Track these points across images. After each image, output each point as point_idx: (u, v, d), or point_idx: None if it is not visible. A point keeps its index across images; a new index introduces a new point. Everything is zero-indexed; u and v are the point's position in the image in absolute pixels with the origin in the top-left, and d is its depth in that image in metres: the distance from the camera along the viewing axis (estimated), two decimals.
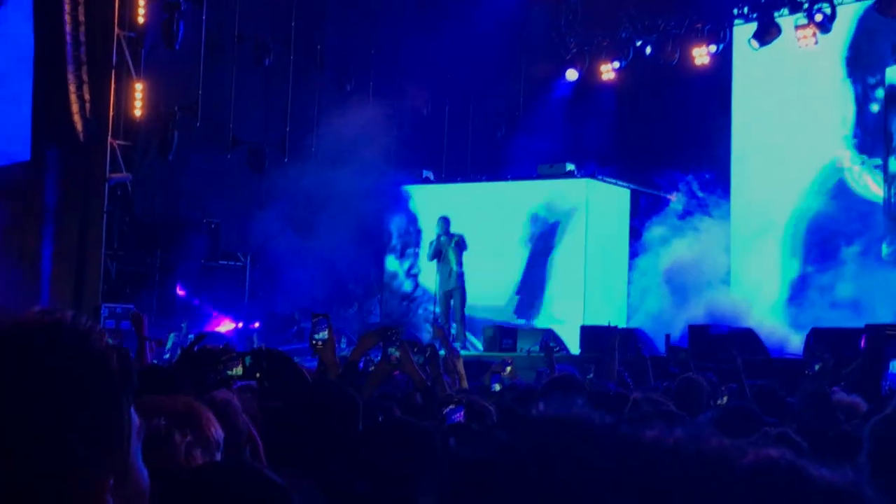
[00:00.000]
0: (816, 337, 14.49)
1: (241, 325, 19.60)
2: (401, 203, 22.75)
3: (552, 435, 1.02)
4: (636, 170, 22.05)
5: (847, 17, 19.98)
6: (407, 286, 22.61)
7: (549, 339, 17.56)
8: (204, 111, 20.07)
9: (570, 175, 21.16)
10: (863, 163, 19.95)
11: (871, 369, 7.24)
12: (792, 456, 0.97)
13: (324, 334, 6.95)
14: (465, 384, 9.03)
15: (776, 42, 20.19)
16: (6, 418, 1.59)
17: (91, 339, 1.66)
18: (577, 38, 22.82)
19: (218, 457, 3.00)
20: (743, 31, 21.06)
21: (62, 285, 18.35)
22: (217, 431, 3.05)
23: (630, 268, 21.37)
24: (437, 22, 21.54)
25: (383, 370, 7.01)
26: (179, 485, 2.41)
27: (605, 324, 16.84)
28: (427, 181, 22.77)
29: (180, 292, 19.74)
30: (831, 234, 19.84)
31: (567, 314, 19.77)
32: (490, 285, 20.30)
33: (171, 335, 16.90)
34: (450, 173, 23.26)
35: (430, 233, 20.26)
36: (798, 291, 20.05)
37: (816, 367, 7.79)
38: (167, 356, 15.08)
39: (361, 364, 11.19)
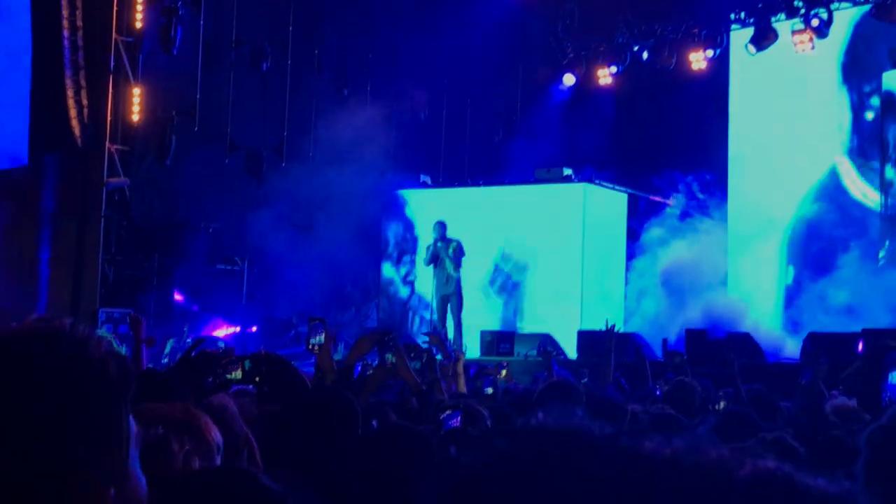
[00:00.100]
0: (813, 341, 14.50)
1: (238, 329, 19.59)
2: (398, 208, 22.76)
3: (551, 445, 1.03)
4: (633, 174, 22.07)
5: (844, 23, 20.01)
6: (403, 292, 22.61)
7: (547, 343, 17.58)
8: (201, 116, 20.09)
9: (567, 179, 21.16)
10: (859, 168, 19.97)
11: (870, 377, 7.23)
12: (789, 468, 0.98)
13: (320, 338, 6.96)
14: (462, 387, 9.01)
15: (773, 47, 20.21)
16: (6, 426, 1.59)
17: (90, 346, 1.67)
18: (575, 43, 22.84)
19: (218, 462, 2.99)
20: (740, 36, 21.08)
21: (60, 289, 18.35)
22: (216, 436, 3.05)
23: (627, 269, 21.38)
24: (434, 26, 21.55)
25: (379, 375, 7.01)
26: (174, 490, 2.41)
27: (603, 325, 16.83)
28: (424, 185, 22.78)
29: (178, 297, 19.74)
30: (828, 238, 19.85)
31: (564, 319, 19.77)
32: (487, 290, 20.30)
33: (171, 340, 16.91)
34: (447, 178, 23.28)
35: (426, 238, 20.26)
36: (794, 295, 20.06)
37: (807, 378, 7.79)
38: (165, 360, 15.09)
39: (359, 368, 11.20)
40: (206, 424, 3.01)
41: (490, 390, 8.94)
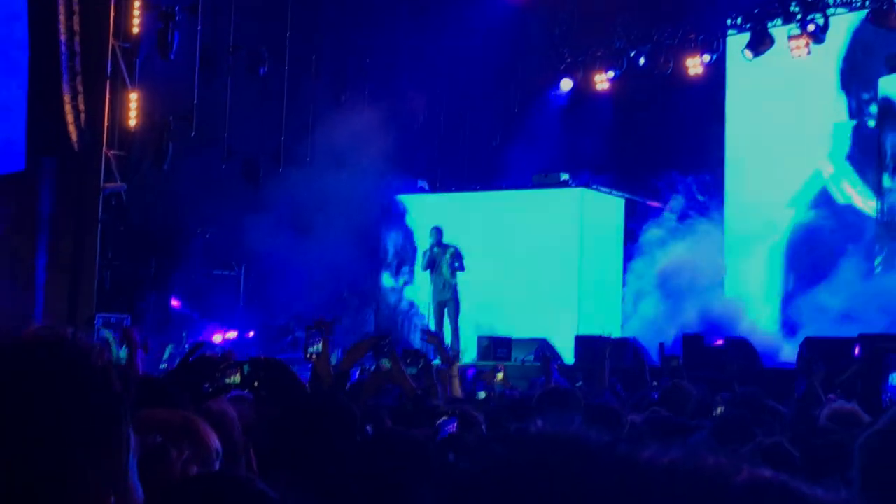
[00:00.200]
0: (810, 346, 14.51)
1: (236, 334, 19.58)
2: (396, 213, 22.76)
3: (549, 452, 1.04)
4: (631, 178, 22.09)
5: (842, 28, 20.04)
6: (401, 298, 22.60)
7: (544, 349, 17.60)
8: (199, 121, 20.08)
9: (564, 185, 21.18)
10: (856, 173, 20.00)
11: (870, 379, 7.25)
12: (786, 476, 0.99)
13: (318, 347, 6.97)
14: (457, 391, 9.00)
15: (770, 52, 20.24)
16: (9, 434, 1.59)
17: (93, 356, 1.67)
18: (572, 49, 22.86)
19: (217, 468, 2.99)
20: (736, 42, 21.11)
21: (57, 294, 18.33)
22: (215, 442, 3.04)
23: (624, 272, 21.40)
24: (432, 32, 21.57)
25: (375, 381, 7.01)
26: (172, 496, 2.42)
27: (598, 333, 16.86)
28: (422, 191, 22.79)
29: (175, 303, 19.72)
30: (824, 243, 19.88)
31: (561, 324, 19.77)
32: (484, 295, 20.30)
33: (170, 346, 16.89)
34: (445, 183, 23.28)
35: (424, 243, 20.27)
36: (791, 298, 20.09)
37: (801, 391, 7.80)
38: (163, 366, 15.07)
39: (356, 373, 11.20)
40: (204, 431, 3.00)
41: (483, 394, 8.93)
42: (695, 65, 21.16)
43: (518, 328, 19.18)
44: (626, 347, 16.87)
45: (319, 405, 4.53)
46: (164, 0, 19.29)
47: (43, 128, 17.97)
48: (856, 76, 20.23)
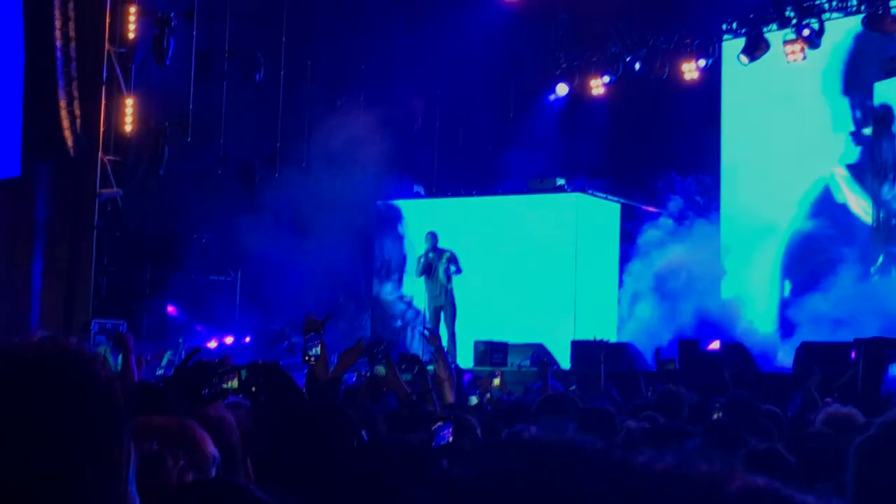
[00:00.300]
0: (806, 351, 14.53)
1: (232, 339, 19.57)
2: (392, 218, 22.77)
3: (544, 458, 1.04)
4: (627, 183, 22.10)
5: (838, 33, 20.06)
6: (397, 304, 22.59)
7: (540, 354, 17.60)
8: (194, 126, 20.09)
9: (560, 190, 21.19)
10: (852, 178, 20.02)
11: (867, 378, 7.26)
12: (779, 484, 0.99)
13: (317, 350, 6.96)
14: (448, 398, 8.97)
15: (766, 56, 20.27)
16: (10, 444, 1.59)
17: (96, 366, 1.67)
18: (567, 54, 22.88)
19: (213, 474, 2.98)
20: (732, 46, 21.13)
21: (53, 300, 18.32)
22: (211, 449, 3.03)
23: (621, 277, 21.40)
24: (428, 37, 21.58)
25: (372, 387, 7.01)
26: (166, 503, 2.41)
27: (592, 338, 16.85)
28: (418, 196, 22.80)
29: (171, 310, 19.70)
30: (820, 248, 19.90)
31: (558, 329, 19.77)
32: (480, 300, 20.31)
33: (168, 353, 16.85)
34: (441, 188, 23.28)
35: (420, 249, 20.27)
36: (786, 303, 20.10)
37: (794, 410, 7.81)
38: (160, 372, 15.04)
39: (353, 378, 11.18)
40: (200, 437, 2.99)
41: (475, 400, 8.91)
42: (690, 70, 21.18)
43: (514, 333, 19.17)
44: (621, 352, 16.87)
45: (316, 411, 4.52)
46: (160, 6, 19.30)
47: (39, 133, 17.97)
48: (852, 81, 20.25)
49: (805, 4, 19.93)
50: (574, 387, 11.05)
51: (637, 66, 21.70)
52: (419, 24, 22.12)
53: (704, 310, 19.54)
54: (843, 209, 20.06)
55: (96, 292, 18.69)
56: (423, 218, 21.73)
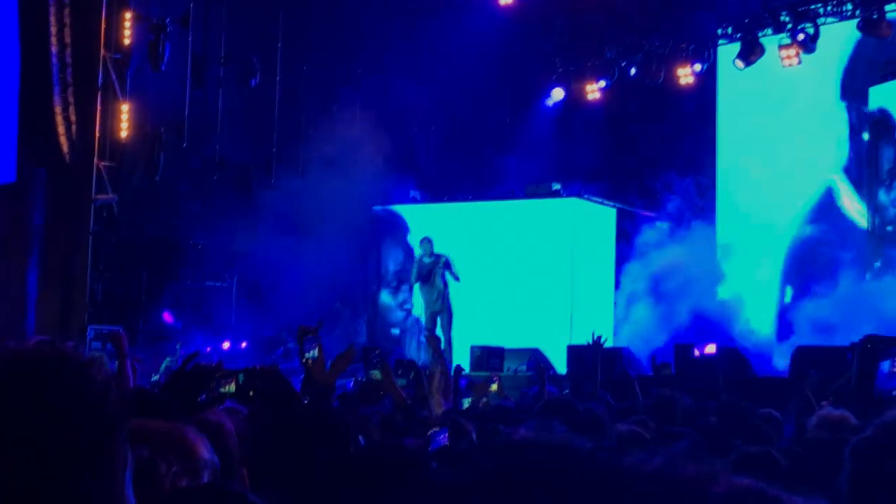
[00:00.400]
0: (802, 354, 14.54)
1: (228, 345, 19.56)
2: (388, 223, 22.76)
3: (533, 461, 1.04)
4: (623, 187, 22.13)
5: (834, 37, 20.08)
6: (394, 309, 22.58)
7: (537, 359, 17.60)
8: (190, 132, 20.09)
9: (556, 194, 21.20)
10: (848, 183, 20.04)
11: (861, 378, 7.26)
12: (764, 485, 0.99)
13: (314, 353, 6.96)
14: (439, 406, 8.96)
15: (761, 61, 20.29)
16: (9, 449, 1.59)
17: (93, 370, 1.68)
18: (563, 59, 22.90)
19: (205, 479, 2.96)
20: (727, 51, 21.16)
21: (48, 307, 18.30)
22: (204, 453, 3.01)
23: (618, 275, 21.40)
24: (423, 43, 21.60)
25: (367, 392, 7.01)
26: None
27: (591, 335, 16.81)
28: (414, 201, 22.80)
29: (166, 317, 19.68)
30: (816, 252, 19.93)
31: (554, 334, 19.78)
32: (476, 305, 20.31)
33: (167, 359, 16.85)
34: (437, 193, 23.27)
35: (416, 255, 20.26)
36: (782, 307, 20.12)
37: (790, 427, 7.82)
38: (155, 378, 15.04)
39: (350, 384, 11.19)
40: (192, 441, 2.97)
41: (467, 402, 8.92)
42: (686, 74, 21.20)
43: (511, 338, 19.17)
44: (617, 358, 16.86)
45: (312, 415, 4.52)
46: (156, 12, 19.31)
47: (34, 139, 17.96)
48: (847, 85, 20.28)
49: (800, 9, 19.97)
50: (567, 391, 11.04)
51: (632, 71, 21.72)
52: (415, 29, 22.13)
53: (700, 314, 19.56)
54: (840, 213, 20.08)
55: (92, 298, 18.67)
56: (419, 223, 21.74)
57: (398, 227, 22.67)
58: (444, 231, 20.27)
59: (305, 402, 6.07)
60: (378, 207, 22.65)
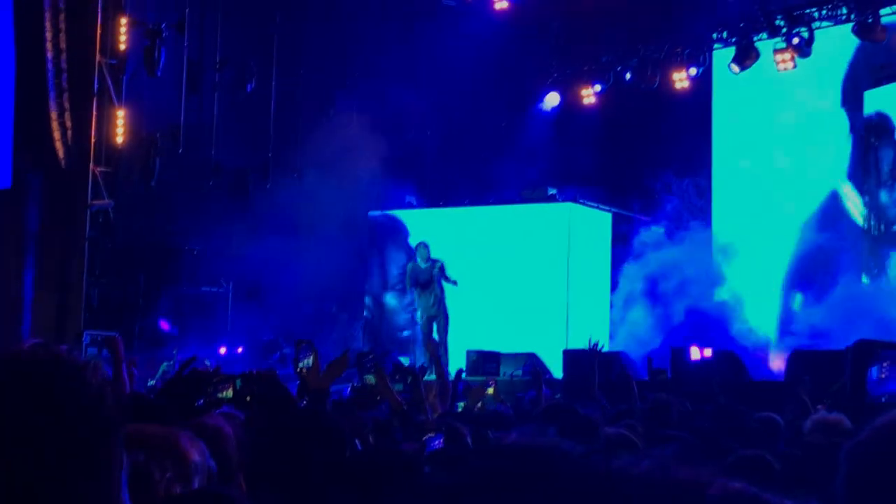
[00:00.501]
0: (797, 358, 14.55)
1: (224, 350, 19.55)
2: (384, 228, 22.76)
3: (524, 464, 1.04)
4: (619, 191, 22.14)
5: (829, 41, 20.09)
6: (390, 314, 22.57)
7: (533, 363, 17.60)
8: (186, 137, 20.09)
9: (552, 199, 21.22)
10: (844, 184, 20.06)
11: (853, 382, 7.27)
12: (756, 489, 1.00)
13: (308, 361, 6.97)
14: (435, 412, 8.97)
15: (756, 65, 20.31)
16: (5, 451, 1.59)
17: (88, 373, 1.68)
18: (559, 63, 22.92)
19: (196, 483, 2.95)
20: (722, 55, 21.18)
21: (44, 312, 18.28)
22: (195, 456, 3.00)
23: (615, 278, 21.41)
24: (419, 47, 21.60)
25: (361, 397, 7.02)
26: None
27: (588, 341, 16.80)
28: (410, 206, 22.80)
29: (163, 325, 19.66)
30: (813, 255, 19.94)
31: (550, 338, 19.77)
32: (472, 310, 20.30)
33: (164, 364, 16.85)
34: (433, 198, 23.27)
35: (411, 260, 20.26)
36: (779, 312, 20.13)
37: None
38: (152, 383, 15.04)
39: (347, 390, 11.18)
40: (183, 446, 2.96)
41: (461, 405, 8.92)
42: (681, 79, 21.21)
43: (507, 343, 19.16)
44: (613, 362, 16.85)
45: (309, 420, 4.52)
46: (151, 17, 19.32)
47: (30, 145, 17.96)
48: (842, 89, 20.29)
49: (795, 13, 19.99)
50: (559, 395, 11.05)
51: (627, 75, 21.74)
52: (411, 34, 22.13)
53: (696, 317, 19.56)
54: (837, 216, 20.09)
55: (88, 304, 18.65)
56: (415, 228, 21.74)
57: (394, 232, 22.66)
58: (439, 236, 20.27)
59: (302, 405, 6.07)
60: (374, 212, 22.65)
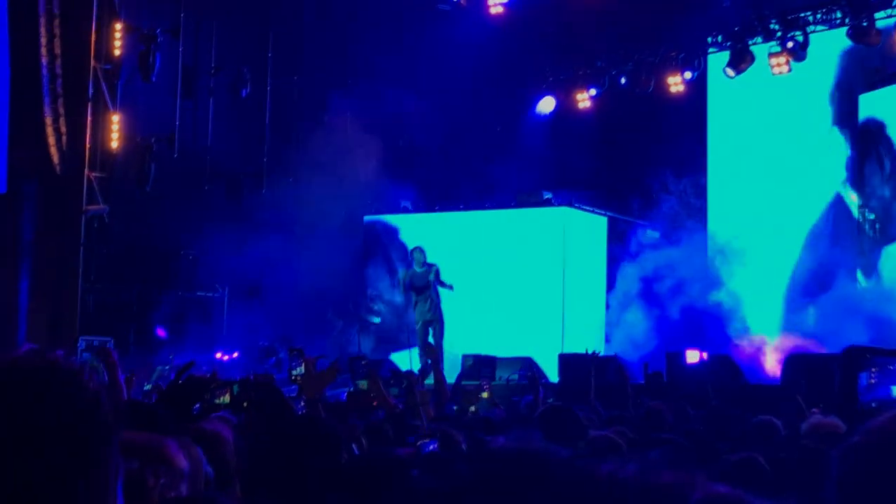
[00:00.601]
0: (793, 362, 14.57)
1: (220, 355, 19.54)
2: (379, 233, 22.76)
3: (511, 468, 1.05)
4: (614, 195, 22.16)
5: (823, 45, 20.12)
6: (387, 320, 22.56)
7: (529, 367, 17.59)
8: (181, 142, 20.09)
9: (547, 203, 21.24)
10: (840, 187, 20.09)
11: (843, 388, 7.29)
12: (740, 492, 1.00)
13: (300, 369, 6.99)
14: (429, 417, 8.98)
15: (752, 69, 20.33)
16: (4, 457, 1.59)
17: (82, 377, 1.68)
18: (554, 68, 22.94)
19: (184, 489, 2.94)
20: (717, 59, 21.21)
21: (39, 318, 18.27)
22: (183, 463, 2.99)
23: (611, 280, 21.42)
24: (414, 52, 21.61)
25: (355, 402, 7.03)
26: None
27: (585, 351, 16.84)
28: (405, 210, 22.80)
29: (160, 332, 19.65)
30: (810, 257, 19.97)
31: (545, 342, 19.79)
32: (468, 314, 20.31)
33: (158, 368, 16.83)
34: (428, 203, 23.27)
35: (407, 264, 20.25)
36: (775, 315, 20.14)
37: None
38: (147, 387, 15.03)
39: (344, 395, 11.17)
40: (171, 452, 2.95)
41: (455, 407, 8.94)
42: (676, 83, 21.23)
43: (502, 347, 19.17)
44: (609, 366, 16.86)
45: (304, 425, 4.53)
46: (146, 22, 19.33)
47: (24, 150, 17.94)
48: (837, 93, 20.32)
49: (789, 17, 20.01)
50: (551, 399, 11.05)
51: (622, 80, 21.76)
52: (406, 39, 22.14)
53: (692, 320, 19.57)
54: (833, 217, 20.11)
55: (83, 309, 18.64)
56: (410, 232, 21.74)
57: (390, 237, 22.66)
58: (435, 241, 20.27)
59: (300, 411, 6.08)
60: (369, 217, 22.65)
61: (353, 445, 5.23)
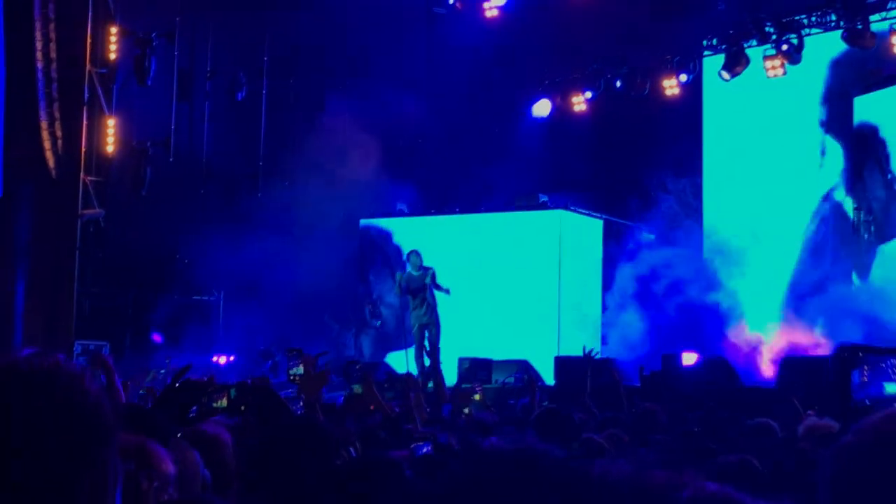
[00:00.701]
0: (789, 364, 14.57)
1: (218, 358, 19.53)
2: (375, 236, 22.75)
3: (504, 469, 1.06)
4: (610, 198, 22.16)
5: (820, 47, 20.15)
6: (383, 323, 22.56)
7: (525, 370, 17.60)
8: (176, 146, 20.08)
9: (543, 206, 21.24)
10: (836, 189, 20.11)
11: (839, 390, 7.31)
12: (730, 491, 1.01)
13: (298, 369, 7.00)
14: (423, 420, 8.99)
15: (747, 71, 20.35)
16: (6, 459, 1.59)
17: (85, 381, 1.69)
18: (549, 71, 22.94)
19: (171, 492, 2.94)
20: (712, 62, 21.22)
21: (35, 322, 18.26)
22: (169, 467, 3.00)
23: (606, 286, 21.42)
24: (411, 55, 21.63)
25: (350, 406, 7.04)
26: None
27: (580, 351, 16.84)
28: (401, 213, 22.80)
29: (156, 338, 19.64)
30: (806, 258, 19.99)
31: (541, 345, 19.78)
32: (464, 317, 20.30)
33: (151, 372, 16.82)
34: (424, 206, 23.27)
35: (403, 266, 20.24)
36: (772, 316, 20.15)
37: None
38: (142, 392, 15.03)
39: (342, 398, 11.18)
40: (158, 456, 2.96)
41: (451, 408, 8.93)
42: (671, 86, 21.24)
43: (499, 350, 19.17)
44: (605, 368, 16.86)
45: (301, 428, 4.53)
46: (141, 26, 19.32)
47: (20, 155, 17.94)
48: (832, 95, 20.34)
49: (784, 20, 20.03)
50: (546, 402, 11.06)
51: (618, 83, 21.77)
52: (402, 42, 22.16)
53: (688, 320, 19.58)
54: (829, 219, 20.12)
55: (79, 313, 18.63)
56: (406, 236, 21.73)
57: (386, 240, 22.66)
58: (431, 244, 20.26)
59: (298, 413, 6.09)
60: (365, 220, 22.65)
61: (351, 449, 5.23)
